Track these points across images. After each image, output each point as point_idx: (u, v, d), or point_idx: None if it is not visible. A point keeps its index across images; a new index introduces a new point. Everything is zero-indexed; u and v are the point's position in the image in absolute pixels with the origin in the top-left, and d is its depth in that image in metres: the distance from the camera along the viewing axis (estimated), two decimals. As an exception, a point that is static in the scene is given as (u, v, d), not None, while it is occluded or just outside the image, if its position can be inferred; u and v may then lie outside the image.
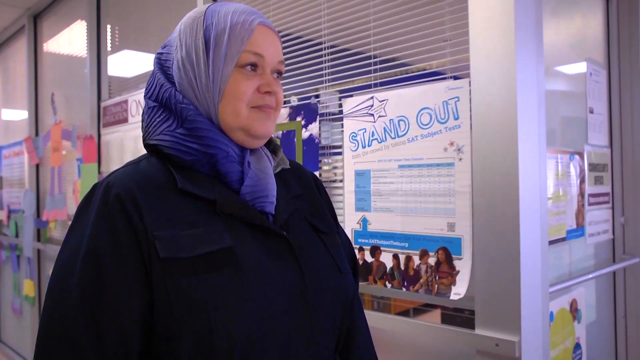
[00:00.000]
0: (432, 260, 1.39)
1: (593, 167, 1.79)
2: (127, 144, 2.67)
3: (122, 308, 0.71)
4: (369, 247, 1.54)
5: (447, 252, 1.35)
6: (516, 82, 1.17)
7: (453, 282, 1.34)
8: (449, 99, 1.35)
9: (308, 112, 1.71)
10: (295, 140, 1.74)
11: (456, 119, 1.34)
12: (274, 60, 0.84)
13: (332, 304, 0.84)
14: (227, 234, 0.77)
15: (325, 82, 1.70)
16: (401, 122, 1.45)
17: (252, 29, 0.81)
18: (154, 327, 0.73)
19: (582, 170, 1.71)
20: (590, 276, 1.64)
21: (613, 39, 1.97)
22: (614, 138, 1.96)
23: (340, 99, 1.63)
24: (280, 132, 1.79)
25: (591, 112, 1.80)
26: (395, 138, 1.47)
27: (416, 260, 1.42)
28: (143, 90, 2.51)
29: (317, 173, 1.68)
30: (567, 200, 1.61)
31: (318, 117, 1.67)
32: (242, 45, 0.80)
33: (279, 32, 1.80)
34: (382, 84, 1.55)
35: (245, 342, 0.72)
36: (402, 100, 1.46)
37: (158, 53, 0.88)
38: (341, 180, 1.63)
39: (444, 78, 1.39)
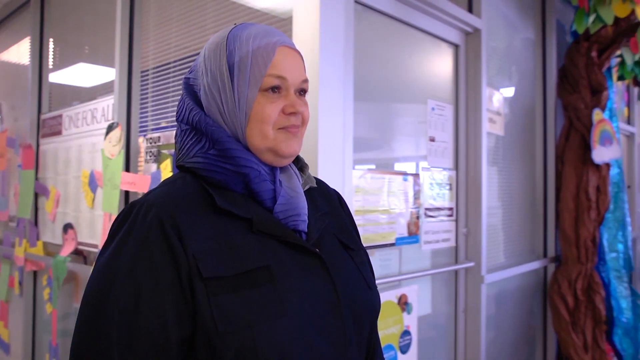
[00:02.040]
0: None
1: (432, 186, 2.17)
2: (60, 154, 2.98)
3: (158, 330, 0.73)
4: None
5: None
6: (318, 121, 1.54)
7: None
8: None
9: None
10: (183, 157, 2.08)
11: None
12: (297, 81, 0.87)
13: (362, 320, 0.88)
14: (264, 252, 0.79)
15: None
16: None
17: (274, 52, 0.84)
18: (194, 347, 0.75)
19: (417, 189, 2.09)
20: (410, 276, 2.00)
21: (461, 79, 2.36)
22: (459, 162, 2.35)
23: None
24: (173, 149, 2.13)
25: (432, 140, 2.18)
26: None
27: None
28: (76, 106, 2.84)
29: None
30: (399, 213, 1.98)
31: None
32: (265, 70, 0.83)
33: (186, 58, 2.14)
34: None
35: (286, 358, 0.75)
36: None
37: (185, 78, 0.91)
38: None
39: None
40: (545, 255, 3.11)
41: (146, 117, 2.39)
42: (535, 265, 2.93)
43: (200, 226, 0.78)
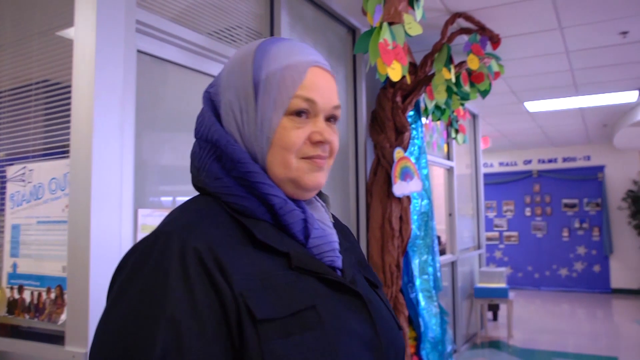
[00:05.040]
0: (53, 295, 1.79)
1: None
2: None
3: None
4: (17, 286, 1.90)
5: (61, 288, 1.77)
6: (91, 165, 1.65)
7: (62, 311, 1.75)
8: (67, 172, 1.79)
9: (-16, 174, 2.06)
10: (-26, 197, 2.07)
11: (70, 187, 1.78)
12: (328, 106, 0.78)
13: None
14: (307, 291, 0.71)
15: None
16: (40, 188, 1.87)
17: (305, 72, 0.76)
18: None
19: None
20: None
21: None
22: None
23: (4, 166, 2.01)
24: (-34, 189, 2.11)
25: (231, 178, 2.37)
26: (36, 199, 1.88)
27: (44, 295, 1.82)
28: None
29: (-14, 225, 2.02)
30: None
31: (-10, 179, 2.03)
32: (293, 90, 0.75)
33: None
34: (39, 155, 1.95)
35: None
36: (42, 170, 1.88)
37: (207, 91, 0.83)
38: (2, 232, 1.99)
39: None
40: (359, 280, 3.41)
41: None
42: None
43: (241, 261, 0.69)
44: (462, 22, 3.69)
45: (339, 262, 0.79)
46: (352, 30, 3.56)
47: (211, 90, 0.82)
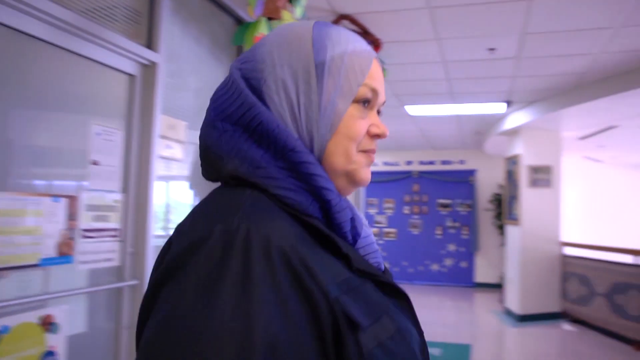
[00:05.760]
0: None
1: (93, 207, 2.25)
2: None
3: None
4: None
5: None
6: None
7: None
8: None
9: None
10: None
11: None
12: (382, 99, 0.75)
13: None
14: (375, 295, 0.67)
15: None
16: None
17: (371, 60, 0.72)
18: None
19: (73, 210, 2.14)
20: (56, 295, 2.04)
21: (135, 107, 2.51)
22: (129, 184, 2.47)
23: None
24: None
25: (95, 163, 2.27)
26: None
27: None
28: None
29: None
30: (46, 234, 2.01)
31: None
32: (362, 78, 0.70)
33: None
34: None
35: None
36: None
37: (238, 68, 0.73)
38: None
39: None
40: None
41: None
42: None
43: (322, 262, 0.61)
44: (347, 25, 3.80)
45: (382, 264, 0.77)
46: (239, 22, 3.54)
47: (245, 66, 0.72)
